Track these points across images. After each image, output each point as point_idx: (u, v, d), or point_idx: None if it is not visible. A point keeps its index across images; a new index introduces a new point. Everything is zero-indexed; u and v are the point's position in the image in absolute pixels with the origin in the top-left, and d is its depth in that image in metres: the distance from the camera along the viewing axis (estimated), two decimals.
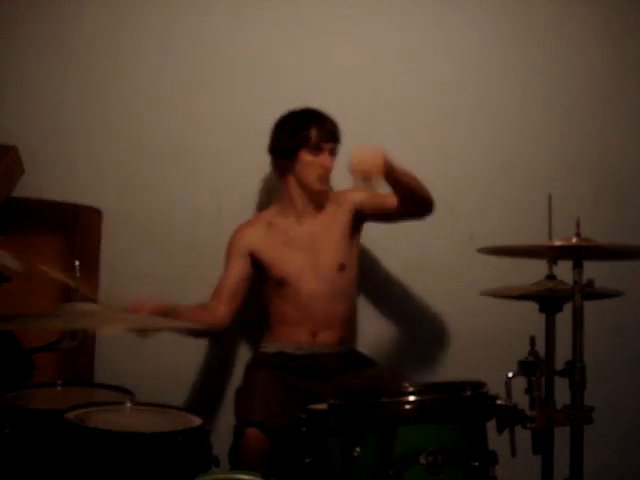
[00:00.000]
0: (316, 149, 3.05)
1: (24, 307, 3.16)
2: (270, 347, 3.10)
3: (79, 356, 3.23)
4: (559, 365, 2.48)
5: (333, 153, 3.08)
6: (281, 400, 2.88)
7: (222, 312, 3.06)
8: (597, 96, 3.50)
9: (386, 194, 3.00)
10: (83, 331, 2.52)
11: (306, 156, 3.06)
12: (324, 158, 3.05)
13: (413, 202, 2.98)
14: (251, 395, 2.91)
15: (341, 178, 3.07)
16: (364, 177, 2.76)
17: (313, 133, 3.04)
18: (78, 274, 2.56)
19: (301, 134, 3.05)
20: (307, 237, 3.11)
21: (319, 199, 3.13)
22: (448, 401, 2.30)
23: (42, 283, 3.22)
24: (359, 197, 3.12)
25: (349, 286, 3.13)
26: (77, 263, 2.58)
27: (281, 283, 3.08)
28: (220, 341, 3.36)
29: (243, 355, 3.36)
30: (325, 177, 3.08)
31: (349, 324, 3.13)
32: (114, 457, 2.26)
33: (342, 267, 3.09)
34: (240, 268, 3.09)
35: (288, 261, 3.08)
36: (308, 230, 3.12)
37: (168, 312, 2.83)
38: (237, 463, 2.71)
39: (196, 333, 3.07)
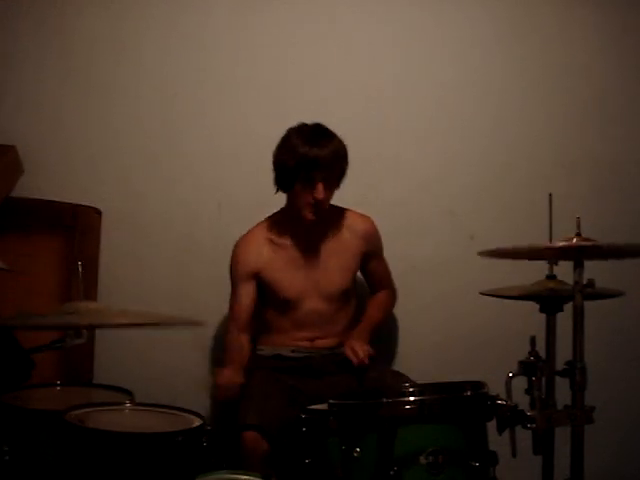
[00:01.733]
0: (308, 179, 2.93)
1: (24, 307, 3.16)
2: (267, 350, 3.10)
3: (79, 356, 3.22)
4: (560, 365, 2.48)
5: (327, 182, 2.94)
6: (278, 401, 2.87)
7: (248, 342, 3.08)
8: (597, 95, 3.49)
9: (377, 277, 3.21)
10: (87, 327, 2.50)
11: (299, 185, 2.95)
12: (315, 190, 2.93)
13: None
14: (248, 398, 2.90)
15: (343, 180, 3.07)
16: None
17: (306, 165, 2.90)
18: (81, 274, 2.56)
19: (294, 161, 2.92)
20: (312, 256, 3.06)
21: (315, 224, 3.03)
22: (448, 401, 2.30)
23: (42, 283, 3.23)
24: (370, 250, 3.14)
25: (350, 299, 3.13)
26: (80, 263, 2.58)
27: (283, 303, 3.06)
28: (219, 342, 3.35)
29: None
30: (317, 208, 2.96)
31: (348, 327, 3.12)
32: (114, 457, 2.26)
33: (345, 293, 3.08)
34: (251, 294, 3.06)
35: (291, 283, 3.04)
36: (313, 248, 3.07)
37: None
38: (238, 466, 2.71)
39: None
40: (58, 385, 2.88)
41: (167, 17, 3.43)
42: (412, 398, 2.28)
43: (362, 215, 3.15)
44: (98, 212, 3.38)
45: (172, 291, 3.35)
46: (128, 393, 2.72)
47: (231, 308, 3.07)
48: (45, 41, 3.41)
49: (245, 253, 3.07)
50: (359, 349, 2.96)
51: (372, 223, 3.15)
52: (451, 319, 3.43)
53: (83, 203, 3.36)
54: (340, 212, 3.12)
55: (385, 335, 3.37)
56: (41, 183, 3.38)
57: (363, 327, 3.10)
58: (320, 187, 2.93)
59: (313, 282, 3.05)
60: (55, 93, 3.42)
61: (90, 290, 3.24)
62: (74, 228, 3.33)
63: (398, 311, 3.36)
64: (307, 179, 2.93)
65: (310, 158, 2.90)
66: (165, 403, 2.56)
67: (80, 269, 2.57)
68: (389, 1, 3.48)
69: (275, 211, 3.14)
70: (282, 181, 3.00)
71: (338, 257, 3.07)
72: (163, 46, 3.43)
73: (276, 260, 3.05)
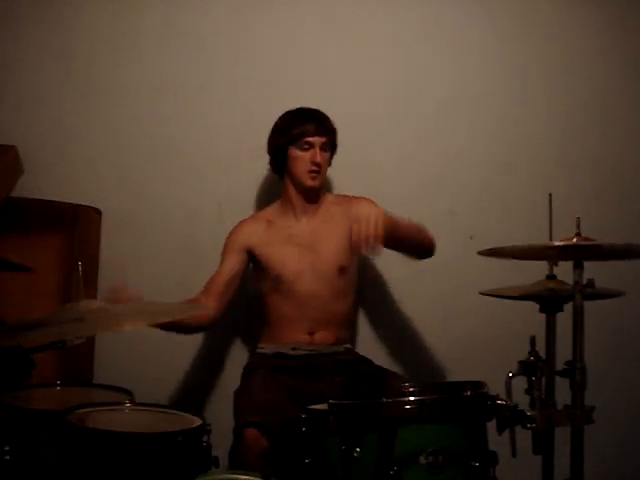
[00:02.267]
0: (304, 144, 3.05)
1: (24, 307, 3.16)
2: (267, 348, 3.10)
3: (79, 356, 3.22)
4: (559, 365, 2.48)
5: (324, 148, 3.07)
6: (279, 399, 2.87)
7: (211, 307, 3.02)
8: (598, 95, 3.50)
9: (393, 228, 2.84)
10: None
11: (295, 152, 3.06)
12: (313, 153, 3.04)
13: (415, 252, 3.04)
14: (249, 396, 2.91)
15: (342, 180, 3.07)
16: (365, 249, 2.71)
17: (299, 128, 3.05)
18: (81, 274, 2.56)
19: (288, 131, 3.07)
20: (307, 236, 3.10)
21: (315, 196, 3.12)
22: (448, 401, 2.30)
23: (42, 283, 3.23)
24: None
25: (348, 286, 3.13)
26: (80, 263, 2.59)
27: (278, 281, 3.07)
28: (219, 342, 3.36)
29: (242, 355, 3.35)
30: (316, 173, 3.06)
31: (347, 324, 3.13)
32: (114, 457, 2.26)
33: (342, 270, 3.08)
34: (235, 263, 3.08)
35: (286, 259, 3.07)
36: (308, 229, 3.11)
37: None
38: (238, 464, 2.71)
39: (181, 329, 2.99)
40: (58, 385, 2.88)
41: (167, 17, 3.44)
42: (412, 398, 2.27)
43: (361, 197, 3.17)
44: (98, 212, 3.39)
45: (172, 291, 3.34)
46: (128, 393, 2.72)
47: (211, 278, 3.07)
48: (45, 41, 3.42)
49: (240, 228, 3.15)
50: (369, 225, 2.67)
51: (368, 199, 3.13)
52: (451, 319, 3.43)
53: (83, 203, 3.36)
54: (339, 198, 3.18)
55: (385, 335, 3.38)
56: (41, 183, 3.38)
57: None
58: (317, 151, 3.03)
59: (308, 261, 3.06)
60: (55, 93, 3.42)
61: (90, 290, 3.24)
62: (74, 228, 3.33)
63: (398, 311, 3.36)
64: (302, 144, 3.03)
65: (307, 122, 3.04)
66: (165, 403, 2.56)
67: (80, 269, 2.57)
68: (389, 1, 3.49)
69: None
70: (278, 155, 3.08)
71: (331, 236, 3.08)
72: (163, 46, 3.43)
73: (270, 237, 3.10)
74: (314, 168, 3.05)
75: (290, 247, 3.09)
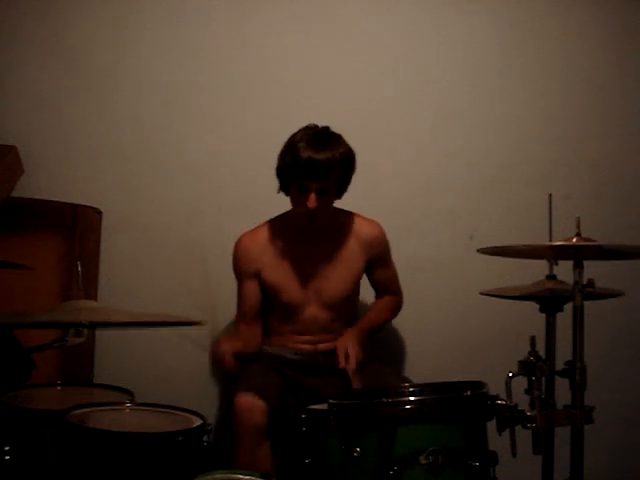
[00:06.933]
0: (301, 185, 2.87)
1: (25, 307, 3.16)
2: (270, 349, 3.07)
3: (79, 356, 3.23)
4: (559, 365, 2.48)
5: (324, 192, 2.88)
6: (278, 383, 2.86)
7: (260, 332, 3.04)
8: (597, 95, 3.50)
9: (382, 283, 3.15)
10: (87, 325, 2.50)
11: (293, 188, 2.92)
12: (308, 197, 2.86)
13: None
14: (246, 378, 2.86)
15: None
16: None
17: (297, 170, 2.85)
18: (80, 274, 2.56)
19: (289, 167, 2.88)
20: (315, 264, 3.03)
21: (319, 229, 3.01)
22: (448, 401, 2.30)
23: (42, 283, 3.23)
24: (375, 256, 3.07)
25: (352, 309, 3.11)
26: (79, 263, 2.59)
27: (284, 307, 3.04)
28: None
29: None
30: (310, 216, 2.92)
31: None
32: (114, 457, 2.26)
33: (347, 300, 3.05)
34: (255, 288, 3.03)
35: (291, 288, 3.01)
36: (317, 256, 3.03)
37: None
38: (231, 440, 2.70)
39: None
40: (58, 385, 2.89)
41: (167, 17, 3.43)
42: (412, 398, 2.27)
43: (370, 221, 3.10)
44: (98, 212, 3.38)
45: (172, 292, 3.35)
46: (128, 393, 2.72)
47: (238, 305, 3.05)
48: (45, 41, 3.41)
49: (247, 252, 3.05)
50: (352, 353, 2.86)
51: (379, 229, 3.09)
52: (451, 319, 3.43)
53: (83, 203, 3.36)
54: (347, 217, 3.09)
55: (385, 335, 3.37)
56: (41, 183, 3.37)
57: (361, 328, 3.02)
58: (312, 196, 2.87)
59: (314, 290, 3.02)
60: (55, 93, 3.42)
61: (90, 290, 3.24)
62: (74, 228, 3.33)
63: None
64: (301, 186, 2.88)
65: (304, 165, 2.84)
66: (165, 403, 2.57)
67: (79, 269, 2.58)
68: (389, 3, 3.49)
69: (278, 214, 3.11)
70: (281, 181, 2.98)
71: (341, 266, 3.02)
72: (163, 46, 3.43)
73: (277, 264, 3.03)
74: (307, 211, 2.89)
75: (297, 276, 3.02)
